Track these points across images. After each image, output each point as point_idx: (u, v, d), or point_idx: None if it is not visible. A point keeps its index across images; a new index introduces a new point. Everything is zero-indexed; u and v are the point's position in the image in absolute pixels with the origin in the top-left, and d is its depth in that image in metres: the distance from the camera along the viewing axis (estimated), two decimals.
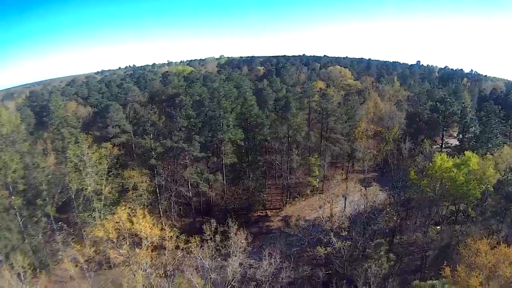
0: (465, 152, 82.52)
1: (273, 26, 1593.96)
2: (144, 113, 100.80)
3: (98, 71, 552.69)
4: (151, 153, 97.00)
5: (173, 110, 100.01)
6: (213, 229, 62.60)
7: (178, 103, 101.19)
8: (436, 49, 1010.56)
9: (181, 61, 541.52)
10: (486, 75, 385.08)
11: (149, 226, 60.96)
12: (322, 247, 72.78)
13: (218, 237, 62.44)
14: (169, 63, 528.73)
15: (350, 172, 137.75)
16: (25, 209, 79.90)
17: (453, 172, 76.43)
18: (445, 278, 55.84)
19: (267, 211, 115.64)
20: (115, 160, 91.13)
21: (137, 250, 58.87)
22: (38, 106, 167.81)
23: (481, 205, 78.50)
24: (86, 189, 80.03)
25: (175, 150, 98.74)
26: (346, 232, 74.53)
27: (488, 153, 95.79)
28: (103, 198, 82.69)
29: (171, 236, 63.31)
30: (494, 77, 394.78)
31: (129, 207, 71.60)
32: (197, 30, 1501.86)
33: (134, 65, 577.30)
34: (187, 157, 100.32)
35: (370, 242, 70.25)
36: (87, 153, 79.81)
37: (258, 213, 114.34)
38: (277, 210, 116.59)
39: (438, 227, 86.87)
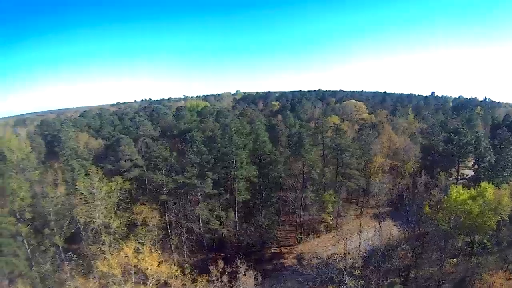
0: (481, 183, 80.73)
1: (289, 67, 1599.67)
2: (156, 148, 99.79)
3: (113, 103, 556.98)
4: (163, 188, 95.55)
5: (184, 146, 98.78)
6: (220, 269, 60.75)
7: (189, 139, 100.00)
8: (450, 79, 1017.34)
9: (197, 96, 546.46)
10: (499, 102, 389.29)
11: (156, 263, 58.84)
12: (334, 286, 69.84)
13: (225, 278, 60.52)
14: (185, 98, 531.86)
15: (364, 207, 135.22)
16: (33, 237, 79.12)
17: (468, 204, 74.68)
18: None
19: (281, 248, 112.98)
20: (126, 194, 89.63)
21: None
22: (50, 135, 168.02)
23: (496, 236, 76.18)
24: (95, 221, 77.97)
25: (187, 187, 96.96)
26: (360, 272, 71.27)
27: (504, 182, 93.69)
28: (112, 232, 79.96)
29: (177, 275, 61.39)
30: (506, 103, 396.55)
31: (139, 242, 70.27)
32: (214, 66, 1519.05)
33: (150, 98, 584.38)
34: (199, 194, 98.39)
35: (384, 281, 67.38)
36: (97, 186, 78.04)
37: (272, 250, 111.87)
38: (291, 247, 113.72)
39: (454, 259, 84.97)
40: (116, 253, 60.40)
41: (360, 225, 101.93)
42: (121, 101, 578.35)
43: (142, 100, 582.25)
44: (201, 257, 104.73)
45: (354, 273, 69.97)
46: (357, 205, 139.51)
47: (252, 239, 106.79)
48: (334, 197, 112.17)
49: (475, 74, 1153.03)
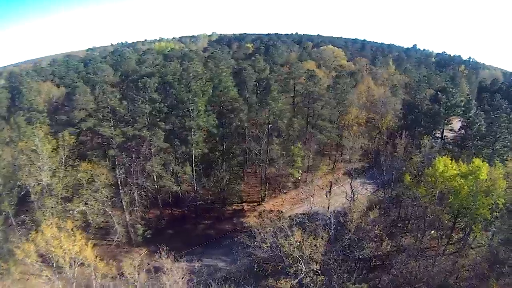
0: (473, 158, 70.95)
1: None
2: (103, 97, 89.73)
3: (89, 48, 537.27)
4: (112, 142, 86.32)
5: (135, 93, 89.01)
6: (137, 265, 53.55)
7: (141, 86, 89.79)
8: (433, 33, 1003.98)
9: (173, 38, 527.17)
10: (483, 63, 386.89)
11: (76, 248, 50.51)
12: (288, 279, 56.24)
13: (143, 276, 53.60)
14: (161, 39, 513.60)
15: (338, 161, 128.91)
16: None
17: (457, 182, 65.53)
18: None
19: (244, 204, 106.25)
20: (74, 150, 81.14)
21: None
22: (16, 87, 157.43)
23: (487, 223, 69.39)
24: (40, 183, 71.12)
25: (138, 139, 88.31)
26: (319, 266, 57.82)
27: (495, 155, 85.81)
28: (58, 194, 73.08)
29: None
30: (491, 66, 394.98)
31: (85, 203, 70.10)
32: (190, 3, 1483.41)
33: (126, 41, 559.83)
34: (151, 147, 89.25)
35: (350, 276, 58.13)
36: (41, 144, 69.95)
37: (234, 207, 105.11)
38: (255, 204, 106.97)
39: (433, 232, 77.86)
40: (33, 236, 52.05)
41: (331, 186, 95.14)
42: (97, 45, 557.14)
43: (118, 43, 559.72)
44: (156, 213, 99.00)
45: (312, 267, 57.31)
46: (329, 159, 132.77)
47: (212, 195, 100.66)
48: (304, 151, 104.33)
49: (459, 32, 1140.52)
